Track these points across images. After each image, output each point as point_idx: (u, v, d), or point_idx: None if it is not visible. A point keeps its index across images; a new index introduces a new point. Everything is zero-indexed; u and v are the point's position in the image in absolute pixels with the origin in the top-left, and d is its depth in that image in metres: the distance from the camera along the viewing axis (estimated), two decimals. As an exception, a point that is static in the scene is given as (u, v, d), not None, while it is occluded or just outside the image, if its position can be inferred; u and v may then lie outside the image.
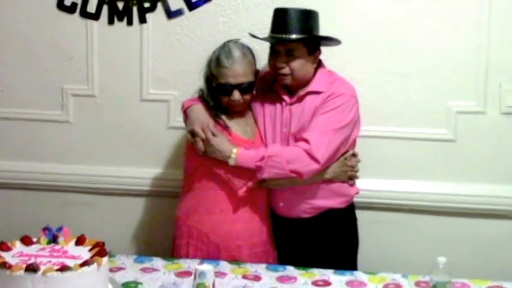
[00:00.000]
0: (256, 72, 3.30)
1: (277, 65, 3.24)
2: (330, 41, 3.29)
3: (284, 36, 3.19)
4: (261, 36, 3.31)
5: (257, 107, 3.38)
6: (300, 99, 3.28)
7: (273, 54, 3.28)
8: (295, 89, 3.29)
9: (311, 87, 3.27)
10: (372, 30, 3.59)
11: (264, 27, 3.35)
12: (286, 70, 3.23)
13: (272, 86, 3.34)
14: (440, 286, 2.68)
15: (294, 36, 3.18)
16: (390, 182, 3.69)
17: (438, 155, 3.67)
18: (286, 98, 3.30)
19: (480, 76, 3.58)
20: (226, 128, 3.28)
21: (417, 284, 2.99)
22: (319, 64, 3.32)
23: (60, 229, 2.93)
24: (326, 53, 3.33)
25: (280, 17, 3.24)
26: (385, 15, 3.59)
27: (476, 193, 3.66)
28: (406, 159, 3.69)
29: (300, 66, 3.22)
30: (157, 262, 3.19)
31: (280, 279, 3.03)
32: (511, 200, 3.65)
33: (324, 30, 3.28)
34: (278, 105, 3.32)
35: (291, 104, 3.29)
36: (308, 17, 3.24)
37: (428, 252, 3.07)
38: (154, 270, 3.11)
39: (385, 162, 3.66)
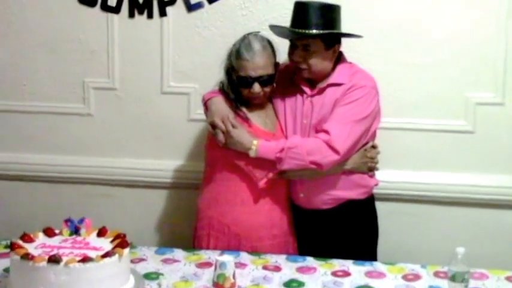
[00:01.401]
0: (276, 65, 3.27)
1: (295, 59, 3.24)
2: (349, 37, 3.26)
3: (301, 31, 3.17)
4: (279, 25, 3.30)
5: (278, 99, 3.35)
6: (321, 91, 3.25)
7: (292, 47, 3.25)
8: (315, 81, 3.26)
9: (332, 79, 3.24)
10: (391, 23, 3.56)
11: (284, 20, 3.32)
12: (303, 65, 3.22)
13: (293, 78, 3.31)
14: (458, 276, 2.67)
15: (313, 31, 3.14)
16: (409, 174, 3.67)
17: (457, 146, 3.64)
18: (307, 90, 3.27)
19: (499, 67, 3.55)
20: (246, 120, 3.26)
21: (436, 274, 2.98)
22: (340, 56, 3.29)
23: (82, 221, 2.94)
24: (346, 45, 3.29)
25: (300, 10, 3.22)
26: (404, 7, 3.55)
27: (495, 184, 3.64)
28: (425, 151, 3.66)
29: (316, 61, 3.20)
30: (178, 253, 3.19)
31: (300, 269, 3.03)
32: (529, 191, 3.62)
33: (344, 23, 3.24)
34: (299, 97, 3.29)
35: (312, 96, 3.27)
36: (328, 12, 3.21)
37: (446, 243, 3.05)
38: (175, 261, 3.11)
39: (405, 154, 3.64)
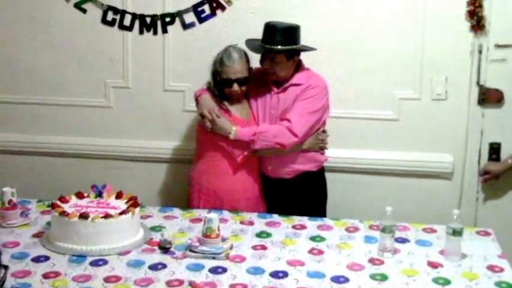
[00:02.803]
0: (250, 69, 3.27)
1: (264, 66, 3.24)
2: (307, 49, 3.26)
3: (269, 46, 3.17)
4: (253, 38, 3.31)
5: (251, 95, 3.34)
6: (285, 89, 3.26)
7: (262, 57, 3.26)
8: (280, 82, 3.27)
9: (293, 81, 3.25)
10: (337, 37, 3.56)
11: (256, 35, 3.29)
12: (271, 71, 3.23)
13: (263, 80, 3.31)
14: (387, 228, 2.70)
15: (278, 47, 3.15)
16: (351, 151, 3.68)
17: (386, 130, 3.66)
18: (274, 88, 3.28)
19: (416, 71, 3.57)
20: (227, 111, 3.26)
21: (370, 227, 3.01)
22: (299, 63, 3.29)
23: (104, 187, 2.98)
24: (304, 54, 3.29)
25: (268, 30, 3.21)
26: (346, 25, 3.56)
27: (414, 159, 3.66)
28: (362, 134, 3.68)
29: (280, 69, 3.21)
30: (176, 211, 3.21)
31: (268, 224, 3.05)
32: (439, 164, 3.65)
33: (303, 37, 3.24)
34: (268, 94, 3.29)
35: (278, 93, 3.27)
36: (290, 31, 3.21)
37: (378, 204, 3.03)
38: (174, 217, 3.12)
39: (347, 137, 3.64)
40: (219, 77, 3.23)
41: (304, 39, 3.26)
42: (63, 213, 2.69)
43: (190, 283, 2.43)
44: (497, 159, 3.55)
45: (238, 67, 3.19)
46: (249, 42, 3.29)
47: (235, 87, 3.21)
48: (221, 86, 3.24)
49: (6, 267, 1.26)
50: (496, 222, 3.24)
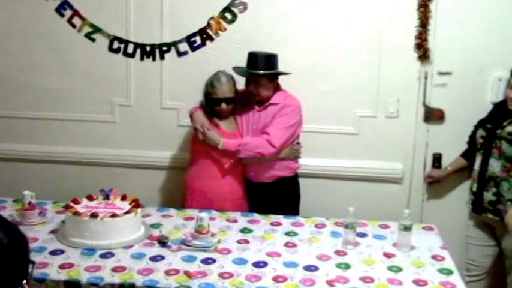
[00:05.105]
0: (236, 91, 3.27)
1: (249, 89, 3.24)
2: (284, 73, 3.26)
3: (253, 71, 3.17)
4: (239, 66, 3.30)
5: (237, 112, 3.32)
6: (265, 108, 3.25)
7: (247, 81, 3.26)
8: (262, 102, 3.26)
9: (272, 101, 3.25)
10: (308, 64, 3.54)
11: (240, 62, 3.29)
12: (255, 92, 3.22)
13: (247, 100, 3.29)
14: (350, 225, 2.73)
15: (261, 72, 3.16)
16: (320, 160, 3.65)
17: (348, 143, 3.64)
18: (256, 107, 3.27)
19: (373, 93, 3.56)
20: (217, 125, 3.24)
21: (335, 224, 3.01)
22: (278, 86, 3.29)
23: (110, 190, 2.96)
24: (282, 78, 3.29)
25: (252, 58, 3.22)
26: (314, 55, 3.53)
27: (371, 167, 3.64)
28: (329, 146, 3.64)
29: (263, 91, 3.20)
30: (172, 211, 3.18)
31: (250, 221, 3.05)
32: (392, 170, 3.63)
33: (281, 64, 3.26)
34: (251, 112, 3.28)
35: (259, 111, 3.26)
36: (270, 59, 3.22)
37: (342, 204, 3.06)
38: (170, 216, 3.10)
39: (316, 148, 3.59)
40: (210, 97, 3.21)
41: (281, 66, 3.26)
42: (76, 213, 2.66)
43: (185, 272, 2.42)
44: (439, 166, 3.57)
45: (226, 89, 3.18)
46: (236, 69, 3.29)
47: (224, 105, 3.20)
48: (212, 105, 3.23)
49: (33, 263, 1.23)
50: (438, 219, 3.26)
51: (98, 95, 3.76)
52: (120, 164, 3.80)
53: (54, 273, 2.37)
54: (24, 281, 1.19)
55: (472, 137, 3.34)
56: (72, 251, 2.58)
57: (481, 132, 3.19)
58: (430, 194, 3.65)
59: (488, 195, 3.08)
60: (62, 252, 2.57)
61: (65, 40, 3.70)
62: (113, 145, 3.80)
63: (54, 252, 2.56)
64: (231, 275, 2.41)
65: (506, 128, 3.04)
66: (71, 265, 2.45)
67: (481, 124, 3.26)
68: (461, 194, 3.50)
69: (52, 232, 2.79)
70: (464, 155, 3.43)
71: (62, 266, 2.43)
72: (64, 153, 3.84)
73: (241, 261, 2.54)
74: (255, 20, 3.52)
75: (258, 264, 2.52)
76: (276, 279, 2.39)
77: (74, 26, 3.66)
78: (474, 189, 3.18)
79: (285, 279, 2.40)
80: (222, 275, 2.41)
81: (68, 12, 3.65)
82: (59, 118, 3.81)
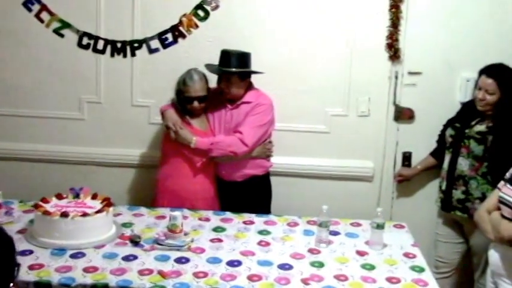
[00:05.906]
0: (208, 89, 3.25)
1: (221, 86, 3.22)
2: (256, 72, 3.26)
3: (225, 69, 3.16)
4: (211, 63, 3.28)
5: (209, 110, 3.31)
6: (237, 106, 3.24)
7: (219, 79, 3.25)
8: (234, 100, 3.25)
9: (244, 99, 3.24)
10: (281, 63, 3.53)
11: (212, 60, 3.28)
12: (227, 90, 3.20)
13: (220, 98, 3.28)
14: (323, 223, 2.73)
15: (233, 69, 3.15)
16: (291, 158, 3.65)
17: (319, 141, 3.65)
18: (228, 105, 3.26)
19: (345, 93, 3.58)
20: (189, 124, 3.22)
21: (308, 222, 3.03)
22: (250, 84, 3.29)
23: (81, 189, 2.92)
24: (254, 77, 3.29)
25: (224, 56, 3.21)
26: (288, 54, 3.53)
27: (342, 165, 3.67)
28: (300, 144, 3.65)
29: (234, 89, 3.20)
30: (143, 210, 3.14)
31: (222, 220, 3.04)
32: (362, 169, 3.66)
33: (254, 63, 3.25)
34: (223, 110, 3.27)
35: (232, 109, 3.25)
36: (243, 57, 3.21)
37: (313, 202, 3.09)
38: (141, 215, 3.06)
39: (288, 146, 3.60)
40: (182, 95, 3.19)
41: (254, 64, 3.26)
42: (46, 212, 2.60)
43: (159, 272, 2.39)
44: (409, 165, 3.62)
45: (198, 87, 3.16)
46: (208, 66, 3.27)
47: (196, 103, 3.18)
48: (184, 103, 3.20)
49: (18, 265, 1.19)
50: (408, 217, 3.30)
51: (67, 92, 3.68)
52: (90, 162, 3.73)
53: (23, 274, 2.30)
54: (11, 284, 1.16)
55: (441, 136, 3.40)
56: (41, 251, 2.53)
57: (450, 132, 3.25)
58: (400, 192, 3.69)
59: (457, 194, 3.15)
60: (31, 252, 2.51)
61: (32, 35, 3.61)
62: (82, 143, 3.74)
63: (23, 253, 2.49)
64: (205, 274, 2.40)
65: (475, 127, 3.11)
66: (41, 266, 2.40)
67: (450, 123, 3.32)
68: (430, 192, 3.56)
69: (20, 232, 2.72)
70: (433, 153, 3.49)
71: (31, 267, 2.38)
72: (31, 151, 3.74)
73: (215, 261, 2.53)
74: (228, 18, 3.50)
75: (232, 263, 2.51)
76: (251, 278, 2.39)
77: (42, 21, 3.58)
78: (443, 187, 3.24)
79: (260, 278, 2.39)
80: (196, 275, 2.39)
81: (36, 7, 3.56)
82: (26, 115, 3.72)
